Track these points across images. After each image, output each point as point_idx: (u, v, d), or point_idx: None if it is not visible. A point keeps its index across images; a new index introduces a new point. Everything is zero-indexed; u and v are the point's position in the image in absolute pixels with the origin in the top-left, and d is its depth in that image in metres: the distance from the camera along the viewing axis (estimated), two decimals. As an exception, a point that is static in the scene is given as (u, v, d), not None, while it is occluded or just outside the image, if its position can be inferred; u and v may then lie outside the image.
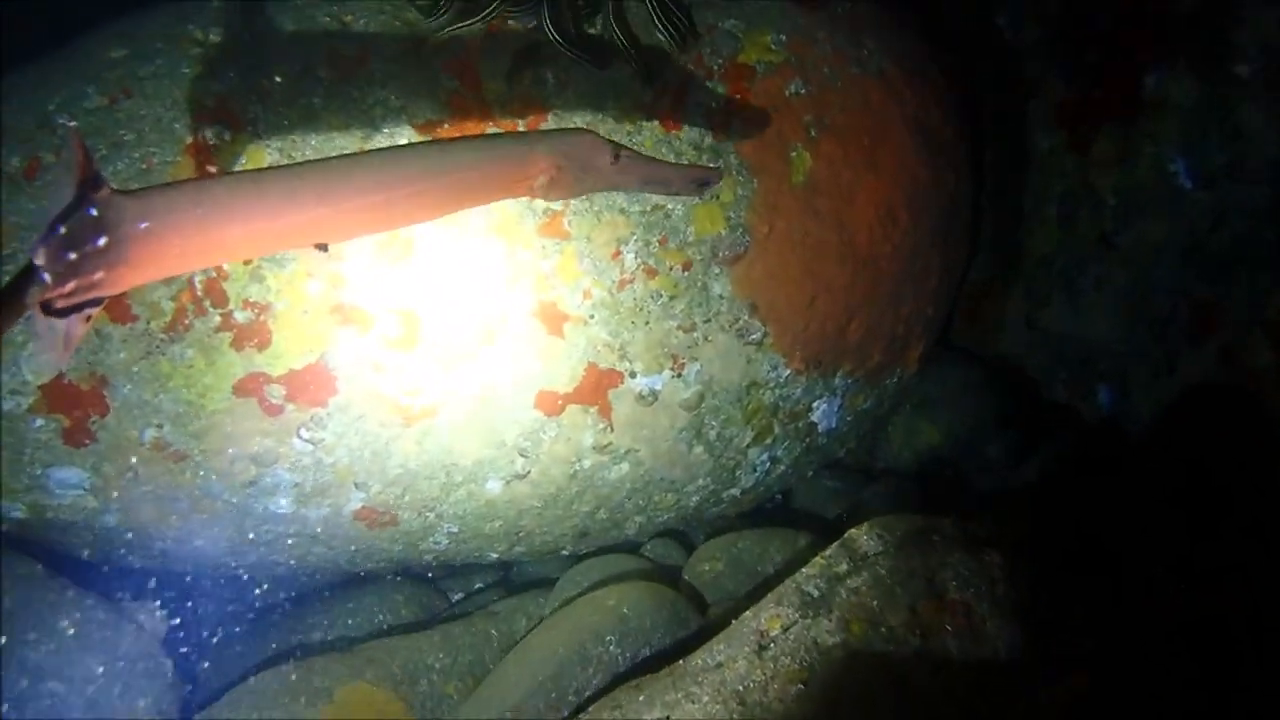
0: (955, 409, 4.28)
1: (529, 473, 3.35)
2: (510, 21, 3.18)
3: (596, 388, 3.31)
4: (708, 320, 3.37)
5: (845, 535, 2.64)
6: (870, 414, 4.01)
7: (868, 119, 3.58)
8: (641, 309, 3.29)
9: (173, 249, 1.88)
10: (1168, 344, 4.09)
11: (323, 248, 2.14)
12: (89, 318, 1.83)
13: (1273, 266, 3.77)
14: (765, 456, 3.69)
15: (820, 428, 3.79)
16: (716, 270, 3.35)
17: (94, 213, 1.76)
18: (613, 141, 2.37)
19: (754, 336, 3.44)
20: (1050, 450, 4.31)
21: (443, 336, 3.14)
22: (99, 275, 1.78)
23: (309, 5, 3.17)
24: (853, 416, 3.90)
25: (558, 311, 3.21)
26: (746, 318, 3.42)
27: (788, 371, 3.56)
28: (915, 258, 3.78)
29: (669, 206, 3.27)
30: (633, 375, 3.33)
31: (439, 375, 3.16)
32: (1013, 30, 4.41)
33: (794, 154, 3.43)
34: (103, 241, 1.77)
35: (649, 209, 3.25)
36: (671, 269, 3.29)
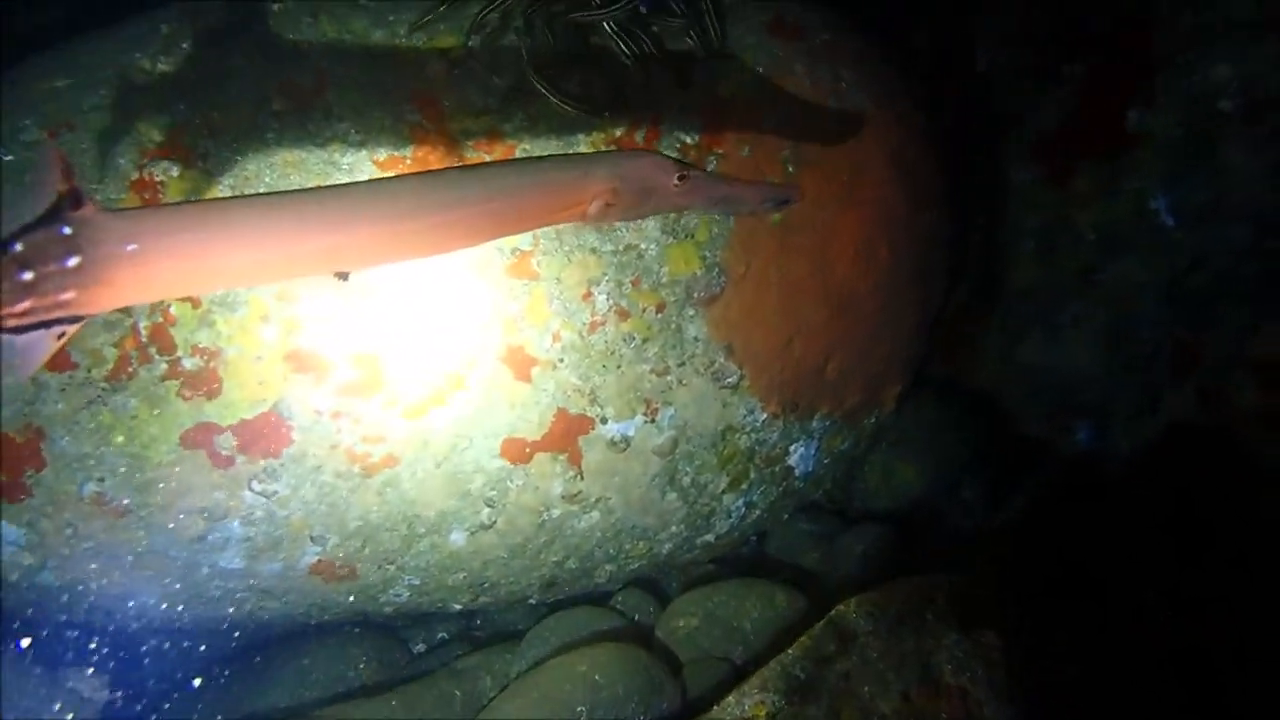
0: (932, 448, 4.18)
1: (495, 523, 3.20)
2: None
3: (566, 434, 3.17)
4: (682, 363, 3.24)
5: (833, 612, 2.50)
6: (847, 455, 3.89)
7: (846, 154, 3.47)
8: (613, 352, 3.15)
9: (166, 272, 1.82)
10: (1149, 382, 4.02)
11: (343, 276, 2.04)
12: (61, 334, 1.76)
13: (1255, 303, 3.71)
14: (741, 502, 3.56)
15: (797, 471, 3.66)
16: (691, 312, 3.22)
17: (67, 231, 1.70)
18: (679, 160, 2.24)
19: (730, 379, 3.31)
20: (1029, 488, 4.22)
21: (404, 383, 2.98)
22: (67, 295, 1.71)
23: (262, 34, 3.01)
24: (830, 459, 3.77)
25: (526, 355, 3.07)
26: (722, 360, 3.29)
27: (764, 415, 3.43)
28: (895, 295, 3.68)
29: (642, 246, 3.14)
30: (604, 421, 3.19)
31: (400, 423, 3.00)
32: (991, 61, 4.33)
33: (771, 191, 3.30)
34: (74, 261, 1.70)
35: (621, 249, 3.12)
36: (644, 311, 3.16)
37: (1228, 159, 3.63)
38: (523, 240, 3.04)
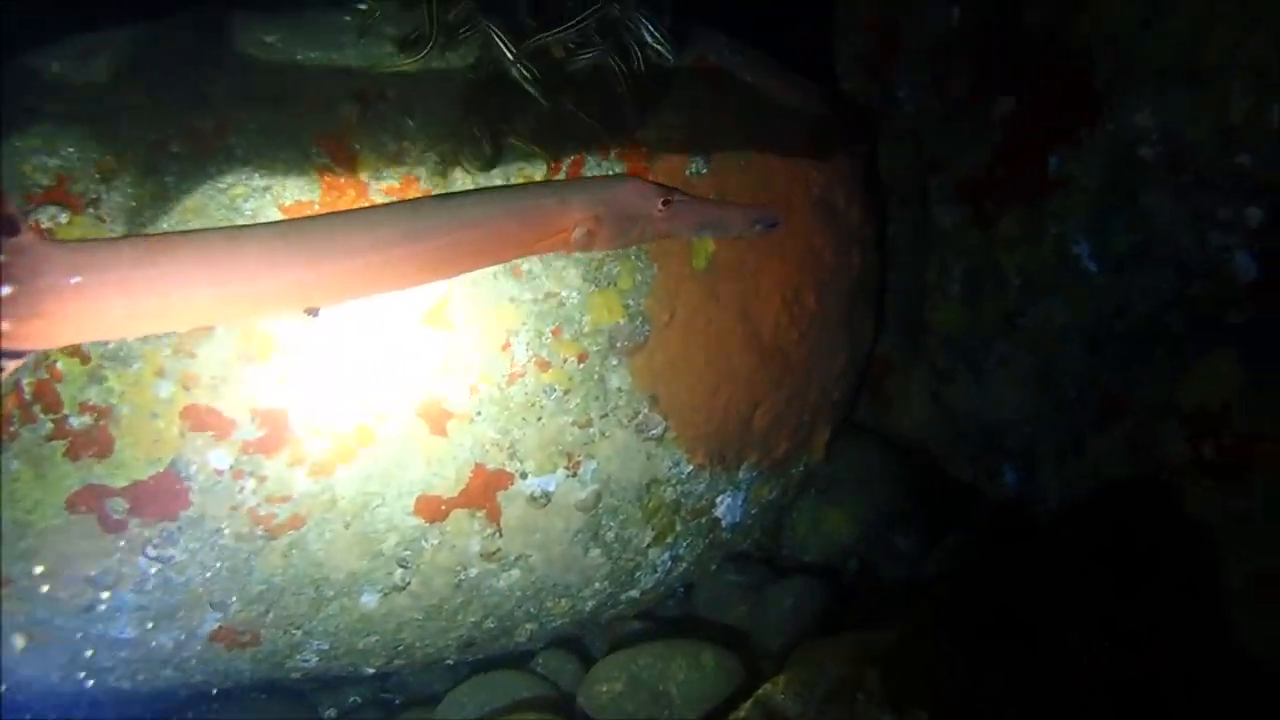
0: (860, 494, 4.10)
1: (409, 584, 3.06)
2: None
3: (484, 490, 3.04)
4: (605, 415, 3.13)
5: (759, 692, 2.40)
6: (776, 504, 3.82)
7: (771, 199, 3.41)
8: (533, 404, 3.03)
9: (115, 309, 1.71)
10: (1074, 424, 4.00)
11: (313, 312, 1.95)
12: None
13: (1180, 350, 3.70)
14: (666, 556, 3.46)
15: (724, 522, 3.57)
16: (614, 361, 3.12)
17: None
18: (662, 185, 2.19)
19: (654, 431, 3.21)
20: (959, 534, 4.18)
21: (311, 439, 2.83)
22: (2, 326, 1.63)
23: (160, 73, 2.85)
24: (757, 509, 3.69)
25: (441, 409, 2.94)
26: (646, 411, 3.19)
27: (690, 467, 3.34)
28: (822, 341, 3.62)
29: (563, 294, 3.03)
30: (524, 476, 3.07)
31: (307, 482, 2.85)
32: (913, 104, 4.31)
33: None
34: (5, 291, 1.61)
35: (541, 297, 3.01)
36: (566, 361, 3.05)
37: (1149, 205, 3.62)
38: (438, 288, 2.91)
